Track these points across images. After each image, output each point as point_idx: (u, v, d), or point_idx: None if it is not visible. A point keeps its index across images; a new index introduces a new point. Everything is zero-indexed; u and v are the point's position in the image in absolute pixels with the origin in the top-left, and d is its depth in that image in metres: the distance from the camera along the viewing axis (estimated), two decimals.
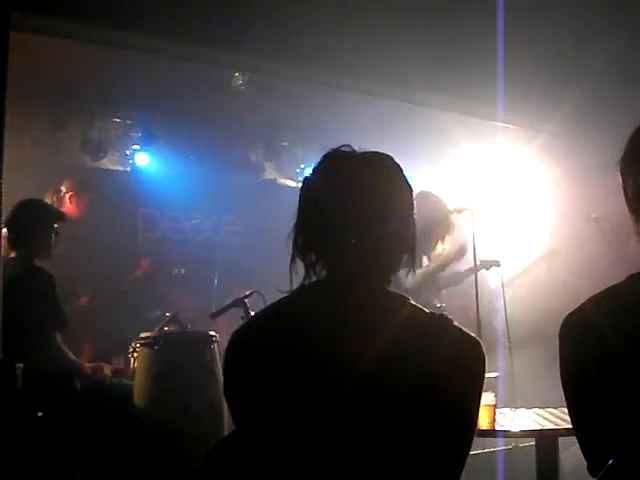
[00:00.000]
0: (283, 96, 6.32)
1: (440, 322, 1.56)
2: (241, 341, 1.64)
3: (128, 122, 7.02)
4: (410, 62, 5.05)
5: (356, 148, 1.68)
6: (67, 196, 5.93)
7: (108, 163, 7.04)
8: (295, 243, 1.65)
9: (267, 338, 1.60)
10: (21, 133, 6.36)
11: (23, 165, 5.99)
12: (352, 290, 1.61)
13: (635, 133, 1.61)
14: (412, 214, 1.67)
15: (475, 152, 6.71)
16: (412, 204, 1.67)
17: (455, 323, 1.57)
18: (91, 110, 6.74)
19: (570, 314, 1.60)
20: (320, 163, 1.68)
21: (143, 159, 7.14)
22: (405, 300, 1.61)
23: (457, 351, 1.53)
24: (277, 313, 1.64)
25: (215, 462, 1.60)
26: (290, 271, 1.65)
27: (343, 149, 1.67)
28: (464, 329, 1.58)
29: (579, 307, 1.60)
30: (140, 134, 6.94)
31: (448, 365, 1.51)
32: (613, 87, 5.33)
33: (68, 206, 5.83)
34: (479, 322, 4.83)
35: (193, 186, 7.24)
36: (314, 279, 1.65)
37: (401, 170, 1.67)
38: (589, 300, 1.59)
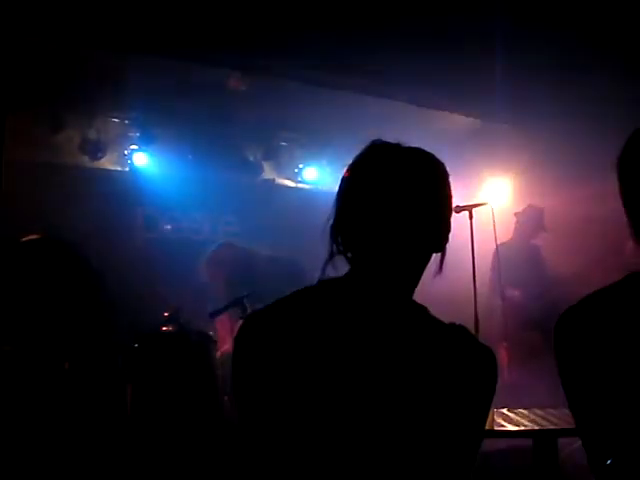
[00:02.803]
0: (282, 96, 6.32)
1: (458, 333, 1.56)
2: (254, 335, 1.60)
3: (126, 122, 7.01)
4: (410, 62, 5.06)
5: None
6: None
7: (107, 163, 7.03)
8: (335, 238, 1.60)
9: (280, 335, 1.56)
10: (19, 133, 6.34)
11: (22, 165, 6.00)
12: (374, 294, 1.58)
13: (634, 134, 1.61)
14: (445, 214, 1.63)
15: (478, 152, 6.74)
16: (449, 204, 1.63)
17: (472, 334, 1.57)
18: (90, 110, 6.73)
19: (566, 312, 1.60)
20: (363, 155, 1.63)
21: (142, 159, 7.14)
22: (424, 310, 1.60)
23: (473, 362, 1.54)
24: (292, 309, 1.60)
25: (218, 459, 1.60)
26: (324, 266, 1.61)
27: (387, 142, 1.62)
28: (480, 340, 1.59)
29: (575, 305, 1.60)
30: (139, 134, 6.94)
31: (464, 375, 1.52)
32: (615, 87, 5.33)
33: None
34: (477, 318, 4.84)
35: (192, 186, 7.24)
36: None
37: (440, 168, 1.64)
38: (585, 298, 1.59)
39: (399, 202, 1.56)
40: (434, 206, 1.60)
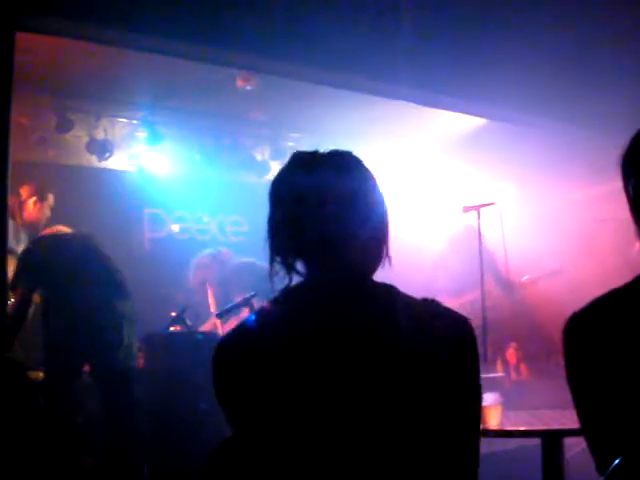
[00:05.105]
0: (289, 96, 6.32)
1: (433, 306, 1.62)
2: (235, 348, 1.65)
3: (134, 122, 7.02)
4: (415, 62, 5.05)
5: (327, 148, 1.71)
6: (30, 202, 5.46)
7: (114, 163, 7.04)
8: (272, 247, 1.66)
9: (263, 343, 1.59)
10: (27, 134, 6.37)
11: (29, 166, 6.02)
12: (342, 287, 1.62)
13: (639, 132, 1.60)
14: (380, 203, 1.68)
15: (484, 152, 6.74)
16: (380, 193, 1.69)
17: (444, 305, 1.63)
18: (97, 110, 6.75)
19: (576, 313, 1.60)
20: (286, 165, 1.71)
21: (149, 159, 7.15)
22: (395, 289, 1.64)
23: (453, 330, 1.60)
24: (270, 317, 1.64)
25: (218, 464, 1.60)
26: (270, 275, 1.65)
27: (306, 150, 1.71)
28: (453, 309, 1.64)
29: (584, 307, 1.59)
30: (146, 134, 6.94)
31: (448, 344, 1.57)
32: (618, 86, 5.32)
33: (30, 212, 5.43)
34: (485, 321, 4.84)
35: (199, 186, 7.26)
36: (296, 280, 1.66)
37: (362, 162, 1.70)
38: (594, 301, 1.59)
39: (325, 200, 1.61)
40: (361, 198, 1.64)
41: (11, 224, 5.30)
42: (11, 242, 5.27)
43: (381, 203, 1.68)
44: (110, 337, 4.70)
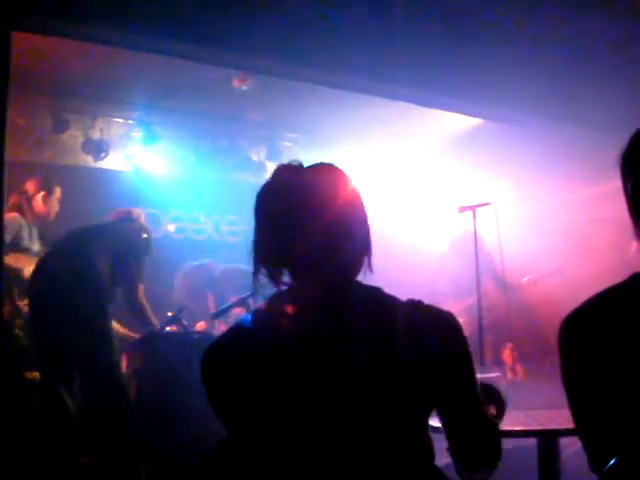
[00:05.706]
0: (285, 96, 6.32)
1: (417, 305, 1.65)
2: (224, 348, 1.66)
3: (130, 122, 7.02)
4: (413, 62, 5.06)
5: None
6: (38, 197, 5.48)
7: (110, 163, 7.04)
8: (256, 258, 1.70)
9: (253, 347, 1.61)
10: (23, 134, 6.36)
11: (26, 166, 6.01)
12: (331, 290, 1.65)
13: (638, 132, 1.60)
14: (361, 214, 1.71)
15: (481, 152, 6.74)
16: (361, 205, 1.72)
17: (427, 303, 1.66)
18: (93, 110, 6.74)
19: (570, 314, 1.60)
20: (270, 178, 1.74)
21: (145, 159, 7.14)
22: (380, 290, 1.67)
23: (439, 324, 1.63)
24: (262, 319, 1.66)
25: (216, 463, 1.61)
26: (254, 285, 1.69)
27: (290, 163, 1.73)
28: (436, 306, 1.67)
29: (580, 307, 1.59)
30: (142, 134, 6.94)
31: (436, 338, 1.60)
32: (615, 85, 5.33)
33: (40, 207, 5.48)
34: (481, 321, 4.84)
35: (195, 186, 7.26)
36: (281, 287, 1.69)
37: (344, 173, 1.73)
38: (590, 300, 1.59)
39: (310, 213, 1.64)
40: (344, 210, 1.67)
41: (24, 223, 5.31)
42: (25, 240, 5.27)
43: (364, 214, 1.72)
44: (72, 338, 4.62)
